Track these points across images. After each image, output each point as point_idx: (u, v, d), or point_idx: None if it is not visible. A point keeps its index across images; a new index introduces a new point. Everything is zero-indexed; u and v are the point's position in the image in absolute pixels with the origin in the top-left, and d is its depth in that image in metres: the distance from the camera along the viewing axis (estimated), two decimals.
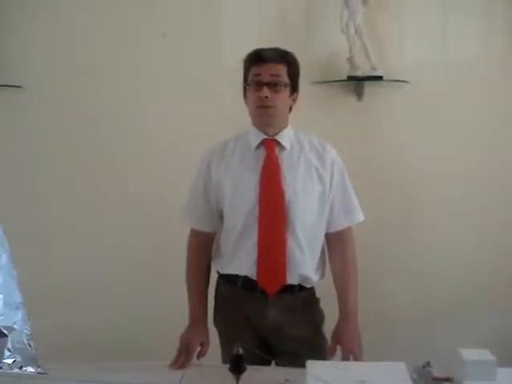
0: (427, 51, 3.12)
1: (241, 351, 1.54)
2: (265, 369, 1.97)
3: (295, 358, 1.90)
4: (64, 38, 3.12)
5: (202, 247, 2.21)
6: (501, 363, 1.61)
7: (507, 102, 3.15)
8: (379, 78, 3.03)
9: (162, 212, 3.01)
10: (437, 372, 1.68)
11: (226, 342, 2.17)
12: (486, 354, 1.63)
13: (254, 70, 2.05)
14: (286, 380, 1.73)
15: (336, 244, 2.19)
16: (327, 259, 2.23)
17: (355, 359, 2.00)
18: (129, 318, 3.08)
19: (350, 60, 3.05)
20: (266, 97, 2.01)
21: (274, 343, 2.14)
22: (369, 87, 3.08)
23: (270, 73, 2.03)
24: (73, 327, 3.08)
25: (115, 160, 3.16)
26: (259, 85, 2.03)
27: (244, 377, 1.60)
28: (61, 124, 3.16)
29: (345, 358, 2.03)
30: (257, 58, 2.06)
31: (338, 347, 2.08)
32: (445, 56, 3.14)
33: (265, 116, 2.07)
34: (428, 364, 1.72)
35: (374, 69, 3.03)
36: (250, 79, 2.07)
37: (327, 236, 2.19)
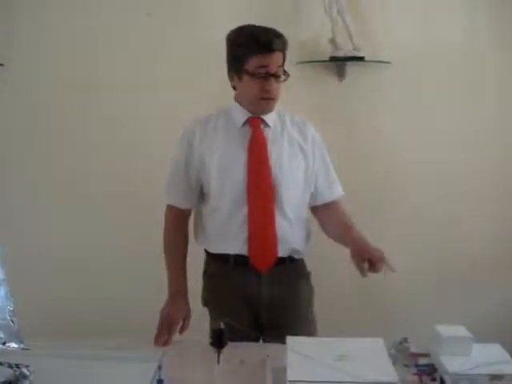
0: (410, 32, 3.12)
1: (222, 326, 1.55)
2: (246, 345, 2.00)
3: (283, 333, 1.87)
4: (47, 17, 3.08)
5: (180, 223, 2.20)
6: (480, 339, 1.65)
7: (491, 84, 3.18)
8: (361, 58, 3.04)
9: (146, 187, 3.00)
10: (414, 348, 1.72)
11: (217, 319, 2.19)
12: (461, 330, 1.67)
13: (260, 59, 1.97)
14: (269, 357, 1.75)
15: (325, 212, 2.21)
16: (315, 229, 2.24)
17: (385, 263, 1.87)
18: (114, 294, 3.10)
19: (333, 40, 3.06)
20: (273, 91, 2.00)
21: (265, 319, 2.15)
22: (351, 68, 3.10)
23: (276, 64, 1.99)
24: (57, 303, 3.08)
25: (99, 136, 3.14)
26: (266, 76, 1.99)
27: (225, 352, 1.62)
28: (43, 101, 3.14)
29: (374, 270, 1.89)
30: (264, 47, 1.96)
31: None
32: (427, 37, 3.14)
33: (267, 107, 2.07)
34: (405, 340, 1.75)
35: (356, 49, 3.04)
36: (253, 69, 1.98)
37: (315, 209, 2.22)
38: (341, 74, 3.07)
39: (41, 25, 3.08)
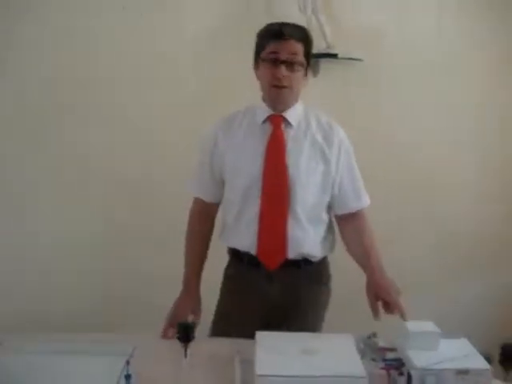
0: (383, 30, 3.15)
1: (190, 320, 1.55)
2: (216, 339, 2.01)
3: None
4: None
5: (203, 216, 2.20)
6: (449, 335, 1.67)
7: (462, 81, 3.21)
8: (334, 55, 3.06)
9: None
10: (382, 342, 1.74)
11: (221, 317, 2.18)
12: (429, 326, 1.69)
13: (272, 46, 1.99)
14: (239, 352, 1.75)
15: (348, 226, 2.16)
16: (338, 239, 2.21)
17: (399, 309, 1.84)
18: (89, 290, 3.11)
19: None
20: (283, 76, 1.98)
21: (274, 320, 2.08)
22: (325, 64, 3.10)
23: (288, 51, 1.97)
24: (30, 299, 3.05)
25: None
26: (276, 62, 1.98)
27: (196, 347, 1.62)
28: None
29: (389, 312, 1.90)
30: (277, 33, 1.98)
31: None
32: (401, 35, 3.16)
33: (279, 96, 2.03)
34: (374, 335, 1.77)
35: (329, 47, 3.05)
36: (265, 55, 2.00)
37: (339, 218, 2.18)
38: (315, 70, 3.08)
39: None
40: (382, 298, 1.92)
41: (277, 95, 2.03)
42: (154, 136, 3.07)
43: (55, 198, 3.15)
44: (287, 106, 2.07)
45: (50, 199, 3.15)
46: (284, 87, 2.00)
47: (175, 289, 2.13)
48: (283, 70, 1.97)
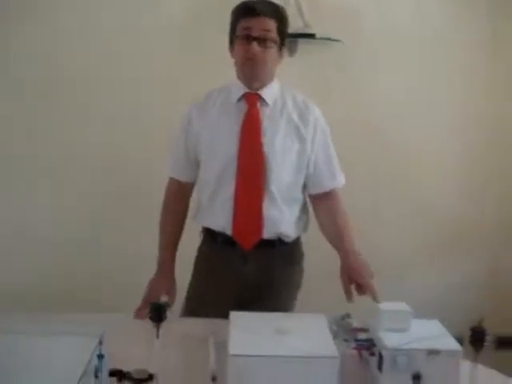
0: (362, 11, 3.16)
1: (163, 300, 1.55)
2: (190, 320, 2.01)
3: None
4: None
5: (178, 196, 2.20)
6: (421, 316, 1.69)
7: (441, 62, 3.22)
8: (312, 35, 3.05)
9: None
10: (356, 323, 1.75)
11: (195, 297, 2.19)
12: (401, 305, 1.70)
13: (243, 23, 2.00)
14: (213, 332, 1.75)
15: (322, 205, 2.17)
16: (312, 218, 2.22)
17: (371, 291, 1.84)
18: (61, 267, 3.11)
19: None
20: (255, 53, 1.97)
21: (248, 299, 2.08)
22: (302, 45, 3.10)
23: (260, 27, 1.98)
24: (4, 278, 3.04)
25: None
26: (248, 39, 1.98)
27: (169, 327, 1.62)
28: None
29: (361, 294, 1.91)
30: (248, 10, 2.00)
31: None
32: (379, 15, 3.17)
33: (252, 69, 2.03)
34: (348, 315, 1.78)
35: (307, 26, 3.04)
36: (238, 32, 2.02)
37: (313, 197, 2.19)
38: (291, 50, 3.07)
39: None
40: (355, 280, 1.93)
41: (250, 70, 2.03)
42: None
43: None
44: (262, 84, 2.07)
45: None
46: (257, 62, 2.00)
47: (152, 268, 2.14)
48: (255, 46, 1.97)
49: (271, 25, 2.00)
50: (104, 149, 3.11)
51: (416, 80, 3.21)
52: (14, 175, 3.12)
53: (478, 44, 3.23)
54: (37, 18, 3.01)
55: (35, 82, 3.05)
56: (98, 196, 3.12)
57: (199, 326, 1.86)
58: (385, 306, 1.69)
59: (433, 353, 1.52)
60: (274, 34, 2.00)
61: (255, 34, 1.98)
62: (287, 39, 2.12)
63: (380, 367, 1.54)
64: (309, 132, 2.09)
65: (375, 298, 1.80)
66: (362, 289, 1.90)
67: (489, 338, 1.52)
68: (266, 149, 2.04)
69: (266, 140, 2.04)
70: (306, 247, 2.25)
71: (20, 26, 3.00)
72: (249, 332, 1.60)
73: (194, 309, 2.13)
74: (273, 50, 2.02)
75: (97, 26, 3.04)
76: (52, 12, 3.02)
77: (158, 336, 1.49)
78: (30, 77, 3.04)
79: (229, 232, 2.08)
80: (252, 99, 2.07)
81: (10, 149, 3.09)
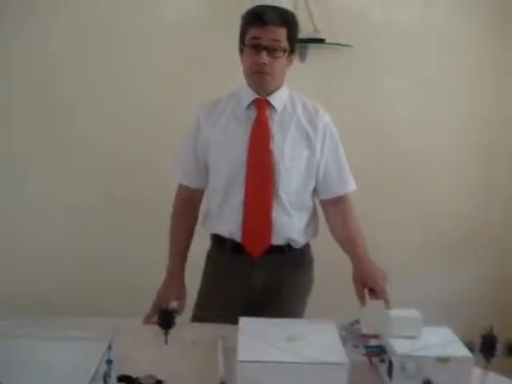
0: (371, 15, 3.14)
1: (172, 306, 1.55)
2: (199, 325, 2.00)
3: None
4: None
5: (188, 203, 2.18)
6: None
7: (450, 66, 3.19)
8: (321, 40, 3.04)
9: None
10: (365, 329, 1.74)
11: (202, 302, 2.18)
12: (412, 312, 1.69)
13: (252, 32, 1.96)
14: (222, 338, 1.75)
15: (332, 210, 2.15)
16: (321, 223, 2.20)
17: (385, 297, 1.82)
18: (68, 273, 3.11)
19: None
20: (264, 63, 1.95)
21: (255, 308, 2.03)
22: (312, 50, 3.08)
23: (270, 37, 1.94)
24: (16, 283, 3.05)
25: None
26: (257, 49, 1.95)
27: (178, 333, 1.62)
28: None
29: (374, 298, 1.89)
30: (257, 19, 1.94)
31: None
32: (388, 20, 3.15)
33: (261, 82, 2.01)
34: (357, 322, 1.77)
35: (317, 31, 3.03)
36: (247, 41, 1.97)
37: (324, 201, 2.17)
38: (302, 56, 3.07)
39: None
40: (369, 286, 1.91)
41: (259, 81, 2.01)
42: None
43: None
44: (271, 92, 2.05)
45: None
46: (265, 73, 1.98)
47: (155, 271, 2.13)
48: (264, 57, 1.94)
49: (281, 33, 1.95)
50: (104, 149, 3.09)
51: (425, 83, 3.19)
52: (14, 175, 3.12)
53: (485, 46, 3.21)
54: (37, 18, 3.01)
55: (35, 82, 3.04)
56: (98, 196, 3.11)
57: (208, 331, 1.85)
58: (395, 312, 1.68)
59: (443, 360, 1.52)
60: (283, 43, 1.96)
61: (264, 43, 1.95)
62: (298, 45, 2.10)
63: (390, 374, 1.54)
64: (318, 138, 2.08)
65: (387, 305, 1.79)
66: (375, 293, 1.89)
67: (499, 346, 1.51)
68: (276, 156, 2.02)
69: (275, 146, 2.03)
70: (315, 253, 2.24)
71: (20, 26, 2.99)
72: (258, 338, 1.60)
73: (203, 315, 2.12)
74: (282, 60, 1.99)
75: (97, 25, 3.03)
76: (52, 12, 3.01)
77: (166, 342, 1.50)
78: (30, 77, 3.04)
79: (238, 238, 2.07)
80: (261, 105, 2.06)
81: (10, 149, 3.09)
